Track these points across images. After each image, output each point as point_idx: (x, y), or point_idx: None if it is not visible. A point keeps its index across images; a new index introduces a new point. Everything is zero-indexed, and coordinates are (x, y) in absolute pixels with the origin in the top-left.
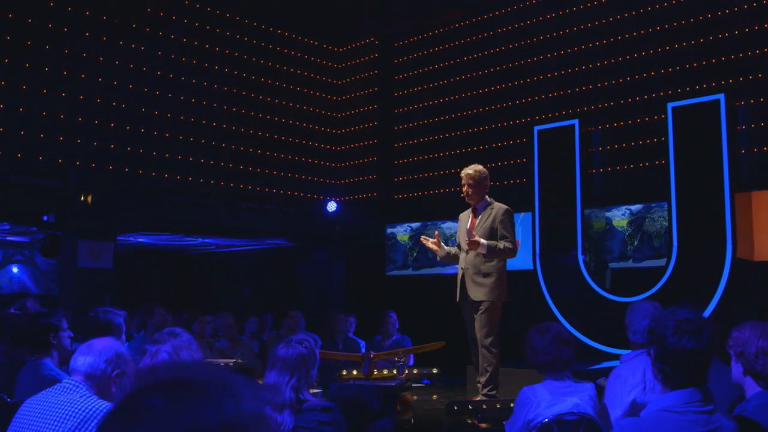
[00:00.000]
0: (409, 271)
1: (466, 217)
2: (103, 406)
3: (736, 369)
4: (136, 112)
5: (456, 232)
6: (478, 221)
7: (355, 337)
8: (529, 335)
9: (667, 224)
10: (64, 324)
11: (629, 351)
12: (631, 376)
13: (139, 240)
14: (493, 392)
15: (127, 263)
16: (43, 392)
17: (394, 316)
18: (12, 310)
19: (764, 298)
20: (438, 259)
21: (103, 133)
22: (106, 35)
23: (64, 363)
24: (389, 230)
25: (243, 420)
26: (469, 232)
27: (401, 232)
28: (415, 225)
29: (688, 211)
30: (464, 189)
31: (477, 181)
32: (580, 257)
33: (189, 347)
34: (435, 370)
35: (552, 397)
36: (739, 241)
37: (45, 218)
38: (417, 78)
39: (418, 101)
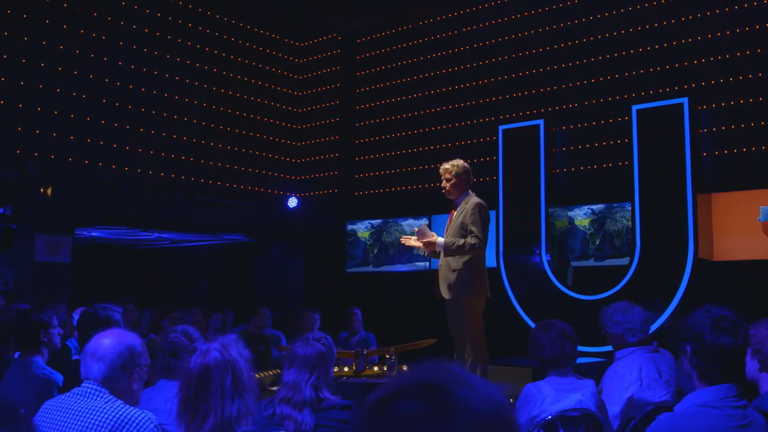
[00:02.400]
0: (370, 268)
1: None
2: (133, 413)
3: (752, 365)
4: (97, 103)
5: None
6: (453, 217)
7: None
8: (533, 332)
9: (628, 224)
10: (55, 321)
11: (624, 348)
12: (627, 373)
13: (93, 234)
14: None
15: (79, 258)
16: (61, 397)
17: (359, 313)
18: None
19: (722, 298)
20: (424, 254)
21: (62, 123)
22: (67, 23)
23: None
24: (350, 227)
25: (502, 411)
26: (421, 234)
27: (362, 229)
28: (375, 222)
29: (651, 211)
30: (442, 184)
31: (455, 176)
32: (545, 256)
33: (236, 344)
34: (404, 367)
35: (556, 394)
36: (700, 241)
37: (1, 210)
38: (379, 74)
39: (380, 98)
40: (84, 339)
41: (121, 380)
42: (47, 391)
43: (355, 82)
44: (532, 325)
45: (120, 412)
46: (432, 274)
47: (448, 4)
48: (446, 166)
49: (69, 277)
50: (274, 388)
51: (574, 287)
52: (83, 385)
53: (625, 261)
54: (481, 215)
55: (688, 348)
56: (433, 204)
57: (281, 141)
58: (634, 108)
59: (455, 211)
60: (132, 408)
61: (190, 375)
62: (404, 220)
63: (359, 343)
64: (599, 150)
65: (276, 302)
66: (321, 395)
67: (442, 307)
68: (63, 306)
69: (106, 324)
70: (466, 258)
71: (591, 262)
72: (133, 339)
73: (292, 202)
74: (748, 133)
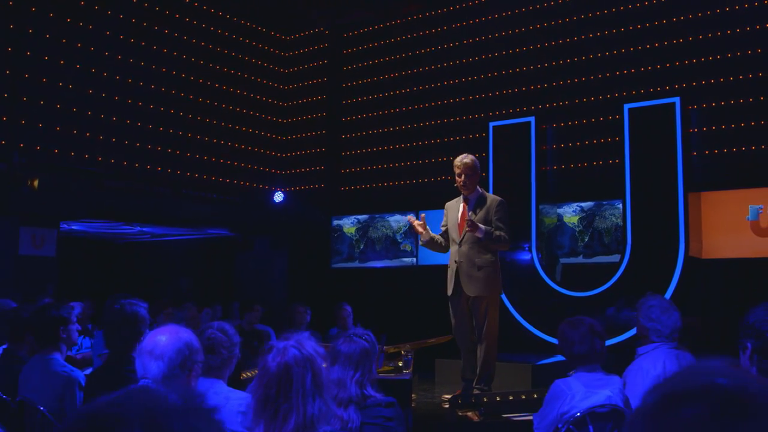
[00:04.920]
0: (356, 264)
1: (454, 207)
2: None
3: None
4: (83, 93)
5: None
6: (470, 214)
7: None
8: (561, 328)
9: (617, 221)
10: (73, 316)
11: (647, 345)
12: (652, 369)
13: (72, 227)
14: (487, 387)
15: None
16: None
17: (349, 308)
18: None
19: (711, 296)
20: (420, 242)
21: (48, 114)
22: (54, 11)
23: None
24: (335, 222)
25: None
26: (466, 219)
27: (348, 224)
28: (362, 217)
29: (642, 209)
30: (461, 179)
31: (473, 170)
32: (535, 253)
33: (310, 341)
34: (400, 363)
35: (586, 390)
36: (690, 239)
37: None
38: (367, 69)
39: (367, 93)
40: (110, 335)
41: (180, 378)
42: (68, 389)
43: (342, 76)
44: (522, 321)
45: None
46: (421, 270)
47: (440, 1)
48: (465, 160)
49: (54, 270)
50: None
51: (563, 283)
52: (140, 384)
53: (614, 258)
54: (507, 213)
55: (749, 345)
56: (421, 200)
57: (267, 135)
58: (626, 107)
59: (469, 206)
60: None
61: (269, 374)
62: (391, 216)
63: None
64: (590, 148)
65: (260, 297)
66: (366, 392)
67: (430, 303)
68: (47, 300)
69: (133, 320)
70: (490, 255)
71: (580, 259)
72: (189, 335)
73: (278, 196)
74: (738, 133)
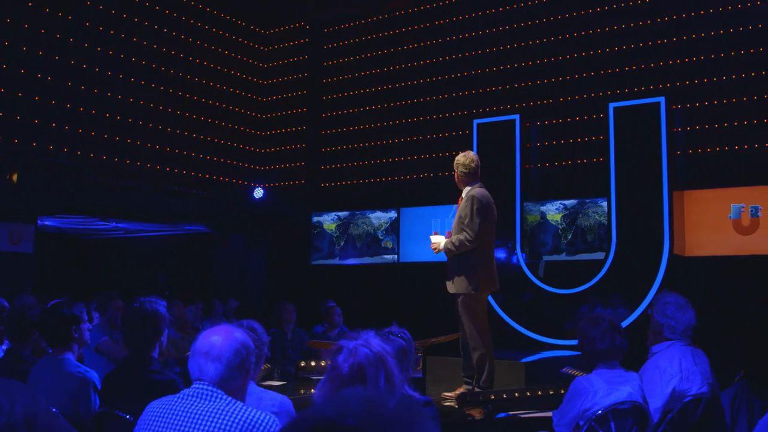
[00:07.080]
0: (336, 261)
1: None
2: (260, 415)
3: None
4: (62, 86)
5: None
6: (457, 211)
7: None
8: (581, 326)
9: (600, 219)
10: (85, 315)
11: (661, 342)
12: (668, 366)
13: (45, 222)
14: (486, 385)
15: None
16: (171, 399)
17: (337, 306)
18: None
19: (693, 292)
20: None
21: (26, 107)
22: (32, 1)
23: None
24: (315, 218)
25: None
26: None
27: (328, 221)
28: (342, 214)
29: (627, 207)
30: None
31: (456, 168)
32: (519, 251)
33: (375, 338)
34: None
35: (608, 387)
36: (673, 237)
37: None
38: (348, 65)
39: (348, 89)
40: (128, 335)
41: (237, 380)
42: (83, 390)
43: (323, 72)
44: (506, 318)
45: (247, 415)
46: (402, 268)
47: None
48: (456, 157)
49: (31, 267)
50: (268, 383)
51: (546, 281)
52: (195, 386)
53: (597, 256)
54: (474, 208)
55: None
56: (402, 197)
57: (247, 130)
58: (611, 105)
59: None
60: (256, 410)
61: (341, 375)
62: (372, 213)
63: (339, 336)
64: (574, 146)
65: (236, 295)
66: (404, 392)
67: (411, 301)
68: (31, 299)
69: (154, 318)
70: (462, 254)
71: (563, 257)
72: (243, 335)
73: (258, 192)
74: (722, 133)
